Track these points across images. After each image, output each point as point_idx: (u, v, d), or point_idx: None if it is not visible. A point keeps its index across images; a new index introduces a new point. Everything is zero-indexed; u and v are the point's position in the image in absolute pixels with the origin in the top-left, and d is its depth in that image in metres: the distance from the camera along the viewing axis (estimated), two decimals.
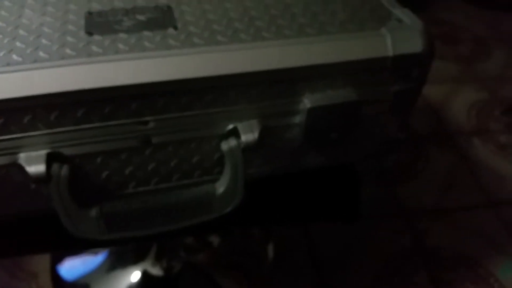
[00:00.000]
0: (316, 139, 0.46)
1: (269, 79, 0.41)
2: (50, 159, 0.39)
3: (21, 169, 0.39)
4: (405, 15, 0.45)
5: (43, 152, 0.39)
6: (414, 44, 0.42)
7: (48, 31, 0.41)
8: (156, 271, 0.91)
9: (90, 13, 0.44)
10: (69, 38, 0.40)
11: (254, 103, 0.42)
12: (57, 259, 0.93)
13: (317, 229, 1.00)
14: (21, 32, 0.41)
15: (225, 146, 0.42)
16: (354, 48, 0.42)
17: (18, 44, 0.39)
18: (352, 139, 0.48)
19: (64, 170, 0.40)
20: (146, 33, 0.41)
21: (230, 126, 0.43)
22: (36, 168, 0.39)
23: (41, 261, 0.91)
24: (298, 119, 0.44)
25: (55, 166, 0.39)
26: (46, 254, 0.92)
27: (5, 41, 0.39)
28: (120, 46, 0.39)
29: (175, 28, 0.42)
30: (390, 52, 0.42)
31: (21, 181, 0.40)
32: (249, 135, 0.42)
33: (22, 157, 0.39)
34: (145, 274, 0.91)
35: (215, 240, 0.93)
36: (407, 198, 1.12)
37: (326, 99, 0.43)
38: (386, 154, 0.52)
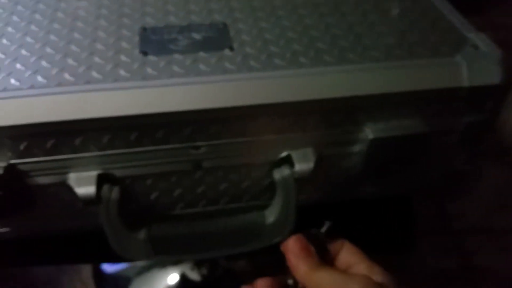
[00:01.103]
0: (375, 170, 0.43)
1: (328, 108, 0.38)
2: (100, 181, 0.38)
3: (70, 189, 0.38)
4: (481, 41, 0.41)
5: (94, 173, 0.38)
6: (491, 75, 0.39)
7: (101, 48, 0.40)
8: (194, 275, 0.90)
9: (144, 29, 0.42)
10: (123, 58, 0.39)
11: (310, 132, 0.40)
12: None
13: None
14: (73, 48, 0.40)
15: (277, 174, 0.40)
16: (425, 77, 0.38)
17: (70, 61, 0.38)
18: (415, 169, 0.45)
19: (115, 192, 0.39)
20: (202, 54, 0.39)
21: (284, 154, 0.40)
22: (85, 189, 0.38)
23: None
24: (357, 148, 0.41)
25: (105, 188, 0.38)
26: None
27: (57, 58, 0.38)
28: (175, 68, 0.38)
29: (231, 49, 0.40)
30: (465, 83, 0.38)
31: (70, 200, 0.39)
32: (303, 164, 0.40)
33: (72, 177, 0.38)
34: (183, 278, 0.91)
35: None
36: (456, 216, 1.06)
37: (390, 130, 0.40)
38: (449, 187, 0.48)
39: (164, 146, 0.38)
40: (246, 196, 0.44)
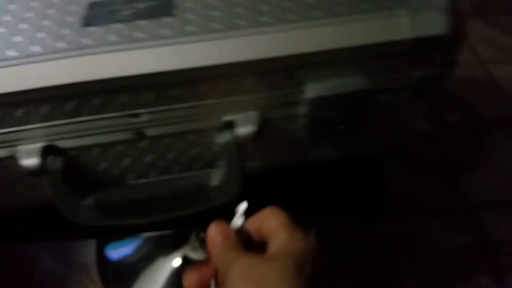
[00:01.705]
0: (323, 132, 0.42)
1: (267, 68, 0.38)
2: (45, 152, 0.39)
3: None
4: None
5: (39, 145, 0.39)
6: (436, 25, 0.37)
7: (47, 24, 0.41)
8: (197, 255, 0.91)
9: (91, 4, 0.43)
10: (65, 31, 0.39)
11: (251, 94, 0.39)
12: (102, 243, 0.97)
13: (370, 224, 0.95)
14: (22, 26, 0.41)
15: (219, 139, 0.40)
16: (363, 32, 0.37)
17: (15, 38, 0.39)
18: (369, 130, 0.44)
19: (58, 162, 0.39)
20: (141, 22, 0.39)
21: (227, 118, 0.40)
22: (30, 161, 0.39)
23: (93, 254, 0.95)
24: (302, 110, 0.40)
25: (49, 159, 0.39)
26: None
27: (5, 35, 0.39)
28: (112, 37, 0.38)
29: (171, 15, 0.40)
30: (407, 35, 0.37)
31: (21, 173, 0.40)
32: (246, 128, 0.39)
33: (18, 150, 0.39)
34: (185, 259, 0.92)
35: None
36: (470, 190, 1.02)
37: (332, 88, 0.39)
38: (408, 146, 0.46)
39: (102, 115, 0.38)
40: (198, 164, 0.44)
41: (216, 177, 0.42)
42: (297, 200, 0.51)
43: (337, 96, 0.39)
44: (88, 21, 0.40)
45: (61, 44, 0.37)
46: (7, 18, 0.41)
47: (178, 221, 0.43)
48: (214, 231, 0.31)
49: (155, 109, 0.39)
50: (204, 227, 0.33)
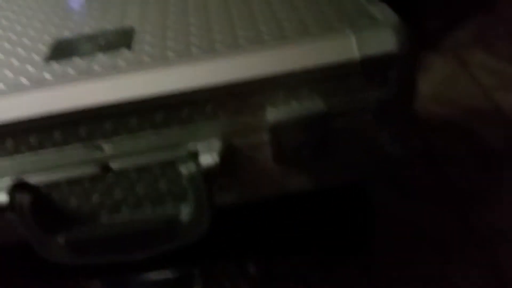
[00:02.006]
0: (289, 159, 0.41)
1: (222, 94, 0.38)
2: (14, 188, 0.40)
3: None
4: (380, 11, 0.39)
5: (7, 180, 0.40)
6: (385, 43, 0.37)
7: (13, 62, 0.42)
8: None
9: (57, 41, 0.44)
10: (29, 67, 0.41)
11: (211, 121, 0.39)
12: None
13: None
14: None
15: (184, 169, 0.39)
16: (312, 53, 0.37)
17: None
18: (338, 156, 0.43)
19: (27, 198, 0.40)
20: (100, 56, 0.40)
21: (190, 148, 0.40)
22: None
23: None
24: (264, 137, 0.40)
25: (18, 195, 0.40)
26: None
27: None
28: (70, 71, 0.39)
29: (129, 48, 0.41)
30: (355, 54, 0.37)
31: None
32: (208, 157, 0.39)
33: None
34: None
35: (251, 268, 0.89)
36: (479, 221, 0.97)
37: (289, 112, 0.39)
38: (387, 173, 0.45)
39: (64, 148, 0.39)
40: (169, 199, 0.44)
41: (184, 212, 0.41)
42: (275, 236, 0.50)
43: (296, 119, 0.38)
44: (52, 57, 0.41)
45: (22, 80, 0.39)
46: None
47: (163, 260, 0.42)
48: None
49: (116, 140, 0.39)
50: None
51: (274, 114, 0.39)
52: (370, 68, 0.37)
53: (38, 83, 0.38)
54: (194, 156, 0.40)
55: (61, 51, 0.43)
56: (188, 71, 0.38)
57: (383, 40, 0.37)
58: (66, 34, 0.46)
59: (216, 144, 0.40)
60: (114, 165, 0.41)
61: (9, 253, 0.48)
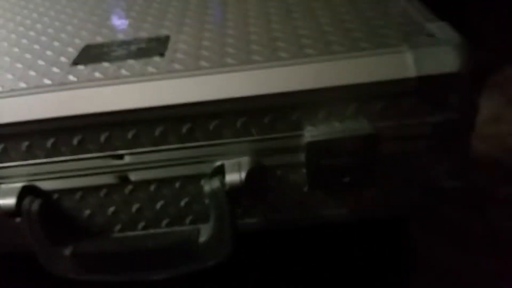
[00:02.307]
0: (325, 184, 0.37)
1: (258, 107, 0.34)
2: (23, 192, 0.37)
3: None
4: (439, 28, 0.35)
5: (18, 185, 0.37)
6: (446, 62, 0.33)
7: (40, 63, 0.40)
8: None
9: (88, 46, 0.42)
10: (55, 69, 0.39)
11: (242, 137, 0.36)
12: None
13: None
14: (17, 65, 0.41)
15: (207, 186, 0.36)
16: (363, 69, 0.33)
17: (7, 76, 0.39)
18: (381, 186, 0.38)
19: (36, 204, 0.37)
20: (130, 61, 0.38)
21: (216, 164, 0.36)
22: (7, 200, 0.36)
23: None
24: (299, 157, 0.36)
25: (26, 200, 0.37)
26: None
27: None
28: (96, 74, 0.36)
29: (161, 55, 0.38)
30: (412, 73, 0.33)
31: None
32: (235, 175, 0.35)
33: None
34: None
35: None
36: None
37: (331, 132, 0.34)
38: (436, 206, 0.40)
39: (82, 156, 0.36)
40: (190, 217, 0.40)
41: (204, 232, 0.37)
42: (302, 267, 0.45)
43: (337, 140, 0.34)
44: (78, 61, 0.39)
45: (45, 81, 0.36)
46: (5, 58, 0.41)
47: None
48: None
49: (138, 150, 0.36)
50: None
51: (313, 133, 0.35)
52: (427, 88, 0.33)
53: (60, 85, 0.36)
54: (219, 172, 0.36)
55: (90, 55, 0.40)
56: (220, 80, 0.34)
57: (443, 58, 0.33)
58: (99, 39, 0.43)
59: (245, 162, 0.36)
60: (133, 176, 0.37)
61: (15, 262, 0.44)
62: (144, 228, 0.40)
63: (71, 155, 0.36)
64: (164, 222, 0.40)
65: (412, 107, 0.35)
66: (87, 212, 0.39)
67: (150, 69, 0.36)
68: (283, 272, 0.45)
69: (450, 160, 0.38)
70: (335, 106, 0.34)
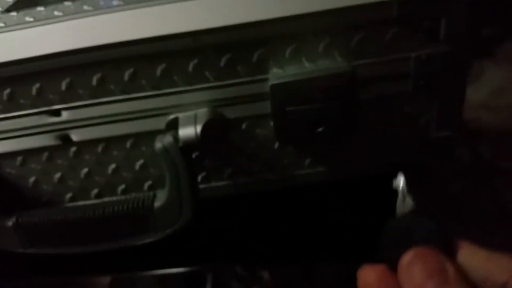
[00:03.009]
0: (295, 137, 0.31)
1: (210, 45, 0.29)
2: None
3: None
4: None
5: None
6: None
7: None
8: None
9: None
10: None
11: (194, 84, 0.30)
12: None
13: None
14: None
15: (158, 143, 0.30)
16: None
17: None
18: (362, 138, 0.33)
19: None
20: (67, 3, 0.33)
21: (169, 118, 0.31)
22: None
23: None
24: (265, 107, 0.31)
25: None
26: None
27: None
28: (27, 18, 0.31)
29: None
30: None
31: None
32: (189, 128, 0.30)
33: None
34: None
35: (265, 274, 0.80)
36: None
37: (300, 73, 0.29)
38: (426, 163, 0.34)
39: (13, 113, 0.31)
40: (149, 182, 0.35)
41: (160, 198, 0.32)
42: (272, 236, 0.40)
43: (307, 81, 0.29)
44: (11, 7, 0.34)
45: None
46: None
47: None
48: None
49: (75, 104, 0.31)
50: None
51: (279, 75, 0.29)
52: (413, 14, 0.27)
53: None
54: (173, 127, 0.31)
55: (26, 2, 0.35)
56: (165, 12, 0.29)
57: None
58: None
59: (202, 114, 0.31)
60: (75, 135, 0.32)
61: None
62: (97, 196, 0.36)
63: (1, 113, 0.31)
64: (120, 188, 0.35)
65: (394, 39, 0.29)
66: (31, 179, 0.35)
67: (86, 7, 0.31)
68: (252, 242, 0.40)
69: (441, 104, 0.32)
70: (304, 40, 0.29)
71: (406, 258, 0.21)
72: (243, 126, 0.32)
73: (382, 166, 0.34)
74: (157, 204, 0.32)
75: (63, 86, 0.30)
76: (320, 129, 0.31)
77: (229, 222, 0.39)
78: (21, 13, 0.33)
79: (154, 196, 0.33)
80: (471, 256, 0.21)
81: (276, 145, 0.33)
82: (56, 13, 0.31)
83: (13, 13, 0.33)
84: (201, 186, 0.34)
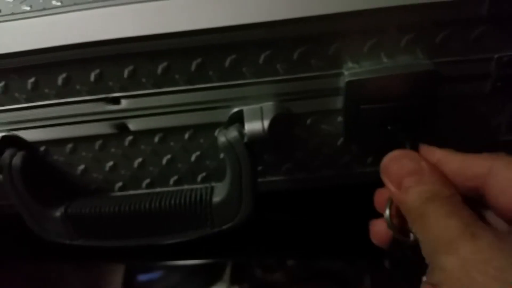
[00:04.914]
0: (365, 134, 0.30)
1: (283, 37, 0.27)
2: (2, 144, 0.31)
3: None
4: None
5: None
6: None
7: None
8: None
9: None
10: None
11: (264, 76, 0.29)
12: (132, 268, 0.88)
13: None
14: None
15: (222, 137, 0.29)
16: None
17: None
18: (429, 137, 0.31)
19: (18, 157, 0.31)
20: None
21: (233, 111, 0.30)
22: None
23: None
24: (336, 103, 0.29)
25: (7, 153, 0.31)
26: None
27: None
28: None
29: None
30: None
31: None
32: (256, 123, 0.28)
33: None
34: None
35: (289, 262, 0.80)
36: None
37: (377, 69, 0.27)
38: None
39: (69, 99, 0.29)
40: (203, 175, 0.34)
41: (219, 192, 0.31)
42: (330, 232, 0.39)
43: (385, 79, 0.27)
44: None
45: (24, 7, 0.29)
46: None
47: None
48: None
49: (137, 92, 0.29)
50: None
51: (354, 70, 0.28)
52: (501, 13, 0.26)
53: (41, 11, 0.29)
54: (237, 120, 0.29)
55: None
56: (235, 1, 0.27)
57: None
58: None
59: (269, 108, 0.29)
60: (133, 125, 0.31)
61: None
62: (148, 186, 0.34)
63: (56, 98, 0.30)
64: (172, 179, 0.34)
65: (479, 39, 0.27)
66: (81, 167, 0.33)
67: None
68: (308, 238, 0.39)
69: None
70: (384, 35, 0.27)
71: (385, 160, 0.23)
72: (308, 121, 0.31)
73: None
74: (216, 198, 0.31)
75: (125, 73, 0.29)
76: (393, 128, 0.29)
77: (283, 219, 0.38)
78: None
79: (212, 189, 0.32)
80: (447, 157, 0.22)
81: (339, 141, 0.32)
82: None
83: None
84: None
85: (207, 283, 0.79)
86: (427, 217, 0.19)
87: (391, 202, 0.23)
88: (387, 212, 0.23)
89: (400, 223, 0.23)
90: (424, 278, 0.20)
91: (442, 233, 0.19)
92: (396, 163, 0.23)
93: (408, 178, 0.21)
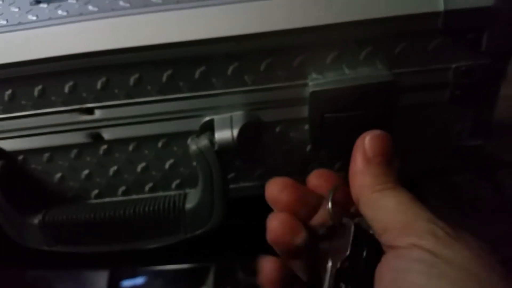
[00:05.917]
0: (330, 142, 0.31)
1: (251, 50, 0.28)
2: None
3: None
4: None
5: None
6: None
7: None
8: None
9: None
10: (13, 8, 0.32)
11: (233, 87, 0.30)
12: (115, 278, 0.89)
13: None
14: None
15: (194, 145, 0.30)
16: (380, 1, 0.27)
17: None
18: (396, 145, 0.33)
19: None
20: None
21: (204, 120, 0.31)
22: None
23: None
24: (301, 111, 0.31)
25: None
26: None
27: None
28: (59, 12, 0.30)
29: None
30: (439, 6, 0.27)
31: None
32: (226, 132, 0.30)
33: None
34: None
35: None
36: None
37: (340, 79, 0.29)
38: (455, 169, 0.35)
39: (45, 110, 0.30)
40: (177, 181, 0.35)
41: (192, 198, 0.32)
42: None
43: (348, 90, 0.29)
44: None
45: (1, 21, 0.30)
46: None
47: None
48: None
49: (110, 103, 0.30)
50: None
51: (318, 81, 0.29)
52: (456, 26, 0.27)
53: (16, 25, 0.30)
54: (207, 129, 0.31)
55: None
56: (206, 16, 0.28)
57: None
58: None
59: (238, 117, 0.30)
60: (107, 134, 0.32)
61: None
62: (124, 193, 0.35)
63: (33, 109, 0.31)
64: (147, 186, 0.35)
65: (436, 50, 0.29)
66: (58, 176, 0.34)
67: (122, 3, 0.30)
68: None
69: (475, 114, 0.32)
70: (346, 47, 0.29)
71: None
72: (277, 129, 0.32)
73: (412, 172, 0.34)
74: (189, 205, 0.32)
75: (99, 85, 0.30)
76: (355, 136, 0.31)
77: (254, 224, 0.39)
78: (52, 5, 0.32)
79: (185, 196, 0.33)
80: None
81: (308, 148, 0.33)
82: (90, 8, 0.30)
83: (44, 5, 0.32)
84: (230, 186, 0.34)
85: (191, 287, 0.80)
86: None
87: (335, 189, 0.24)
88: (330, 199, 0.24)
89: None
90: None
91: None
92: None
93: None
